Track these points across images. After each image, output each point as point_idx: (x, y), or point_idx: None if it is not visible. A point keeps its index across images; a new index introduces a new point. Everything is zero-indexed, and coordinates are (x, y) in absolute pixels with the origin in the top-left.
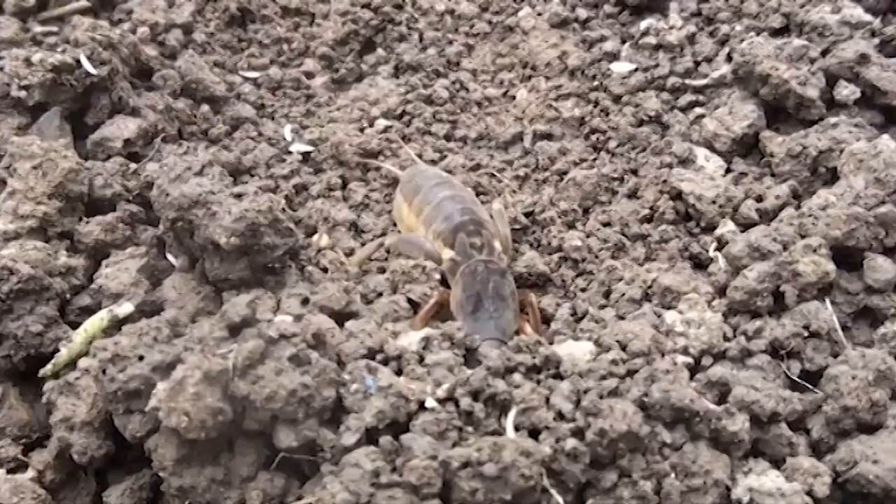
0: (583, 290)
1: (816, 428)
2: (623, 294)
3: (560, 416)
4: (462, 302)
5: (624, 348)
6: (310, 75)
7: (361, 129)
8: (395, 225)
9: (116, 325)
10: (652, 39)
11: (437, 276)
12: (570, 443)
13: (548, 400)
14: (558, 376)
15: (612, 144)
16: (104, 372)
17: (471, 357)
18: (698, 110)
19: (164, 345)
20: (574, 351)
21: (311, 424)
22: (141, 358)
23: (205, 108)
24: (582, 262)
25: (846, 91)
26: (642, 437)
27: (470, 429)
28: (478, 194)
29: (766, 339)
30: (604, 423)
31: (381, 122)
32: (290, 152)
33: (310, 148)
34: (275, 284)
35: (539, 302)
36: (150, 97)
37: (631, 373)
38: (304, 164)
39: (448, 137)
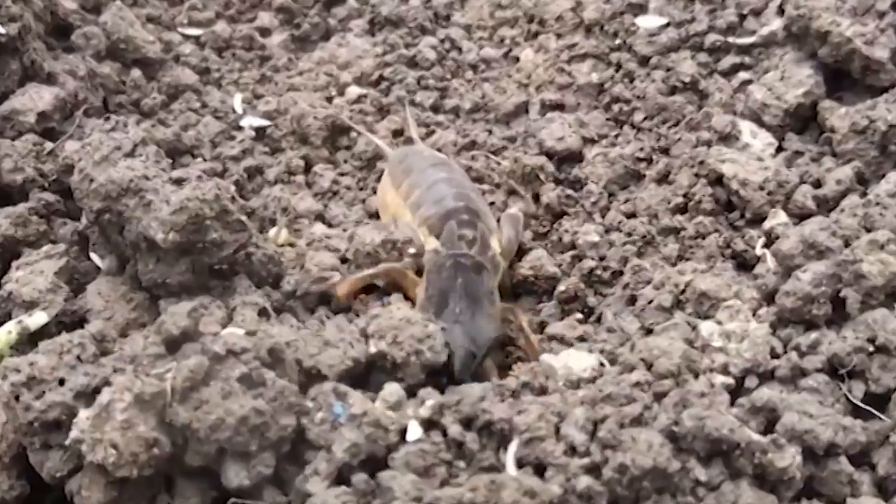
0: (602, 295)
1: (883, 462)
2: (650, 301)
3: (571, 448)
4: (423, 303)
5: (650, 367)
6: (265, 32)
7: (329, 99)
8: (373, 216)
9: (28, 341)
10: None
11: (412, 251)
12: (584, 481)
13: (557, 429)
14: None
15: (637, 117)
16: (17, 398)
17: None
18: (743, 75)
19: (90, 365)
20: (572, 364)
21: (266, 459)
22: (62, 382)
23: (136, 73)
24: (601, 261)
25: None
26: (671, 473)
27: (461, 463)
28: (473, 180)
29: (823, 355)
30: (624, 458)
31: (354, 91)
32: (240, 127)
33: (265, 122)
34: (222, 291)
35: (532, 320)
36: (69, 60)
37: (658, 397)
38: (258, 142)
39: (436, 109)
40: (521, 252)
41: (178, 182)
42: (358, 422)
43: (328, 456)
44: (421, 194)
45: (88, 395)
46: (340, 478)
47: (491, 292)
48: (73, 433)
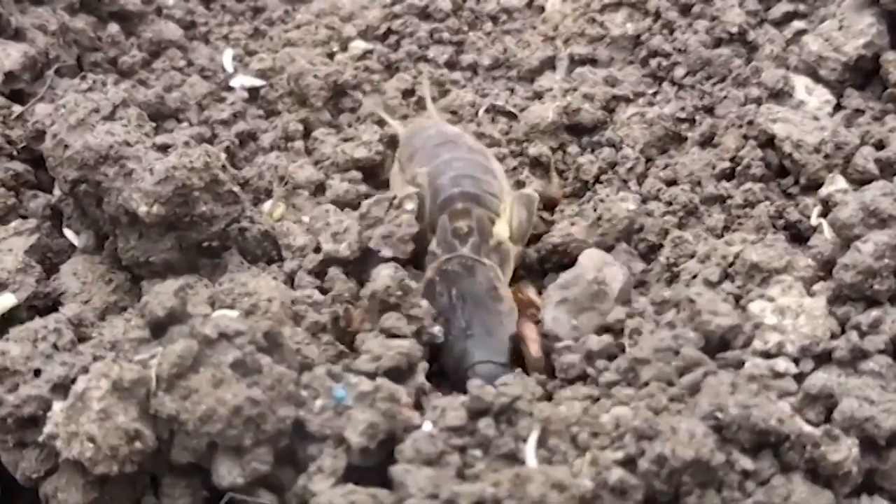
0: (640, 272)
1: None
2: (694, 276)
3: (604, 438)
4: None
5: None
6: None
7: (330, 56)
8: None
9: None
10: None
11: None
12: (617, 474)
13: (585, 414)
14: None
15: (678, 73)
16: None
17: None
18: (797, 24)
19: (67, 353)
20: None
21: (262, 454)
22: (37, 373)
23: (113, 27)
24: (638, 232)
25: None
26: (715, 466)
27: (478, 452)
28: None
29: (886, 335)
30: (663, 448)
31: (358, 46)
32: (231, 88)
33: (259, 82)
34: (212, 270)
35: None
36: (38, 14)
37: (700, 380)
38: (251, 104)
39: (451, 65)
40: (549, 222)
41: (163, 148)
42: (371, 399)
43: (335, 449)
44: (423, 179)
45: (67, 387)
46: (347, 475)
47: (494, 287)
48: (48, 428)
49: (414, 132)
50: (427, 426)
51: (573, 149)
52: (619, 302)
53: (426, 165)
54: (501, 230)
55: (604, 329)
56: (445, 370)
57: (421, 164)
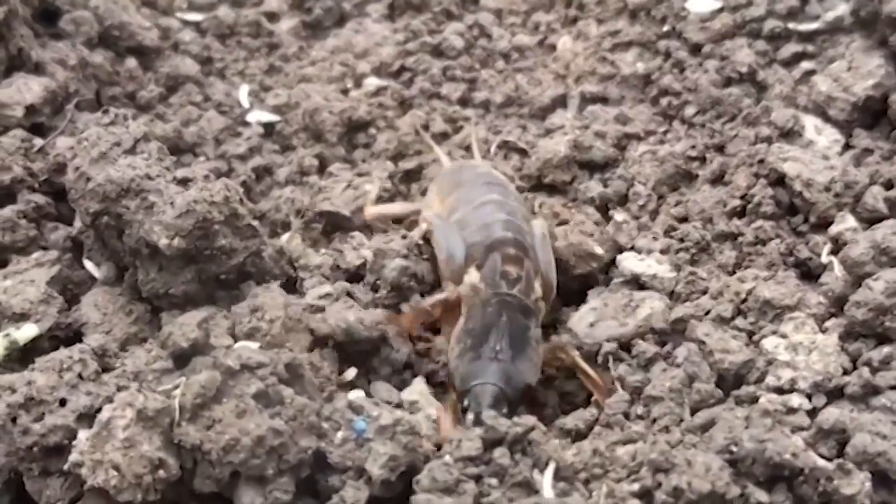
0: None
1: None
2: (707, 312)
3: (620, 470)
4: (460, 335)
5: (707, 380)
6: (273, 17)
7: (344, 92)
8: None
9: (19, 357)
10: None
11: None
12: None
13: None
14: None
15: (688, 112)
16: (14, 420)
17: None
18: (806, 65)
19: (92, 383)
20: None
21: (284, 484)
22: (63, 402)
23: (131, 62)
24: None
25: None
26: (730, 499)
27: (493, 481)
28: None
29: None
30: (679, 481)
31: (372, 82)
32: (247, 123)
33: (274, 117)
34: (230, 301)
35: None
36: (58, 49)
37: (715, 415)
38: (266, 139)
39: (464, 102)
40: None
41: (184, 182)
42: (391, 432)
43: (357, 481)
44: (467, 213)
45: (92, 417)
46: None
47: (537, 340)
48: (73, 456)
49: (462, 165)
50: (445, 457)
51: (585, 184)
52: (641, 325)
53: (473, 198)
54: (538, 288)
55: (613, 339)
56: (450, 375)
57: (467, 196)
